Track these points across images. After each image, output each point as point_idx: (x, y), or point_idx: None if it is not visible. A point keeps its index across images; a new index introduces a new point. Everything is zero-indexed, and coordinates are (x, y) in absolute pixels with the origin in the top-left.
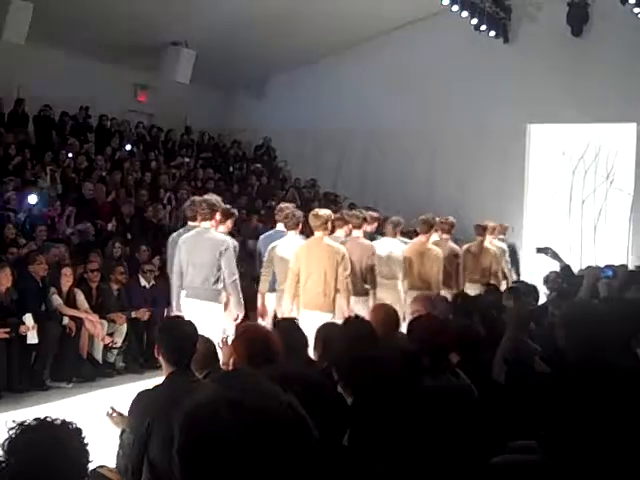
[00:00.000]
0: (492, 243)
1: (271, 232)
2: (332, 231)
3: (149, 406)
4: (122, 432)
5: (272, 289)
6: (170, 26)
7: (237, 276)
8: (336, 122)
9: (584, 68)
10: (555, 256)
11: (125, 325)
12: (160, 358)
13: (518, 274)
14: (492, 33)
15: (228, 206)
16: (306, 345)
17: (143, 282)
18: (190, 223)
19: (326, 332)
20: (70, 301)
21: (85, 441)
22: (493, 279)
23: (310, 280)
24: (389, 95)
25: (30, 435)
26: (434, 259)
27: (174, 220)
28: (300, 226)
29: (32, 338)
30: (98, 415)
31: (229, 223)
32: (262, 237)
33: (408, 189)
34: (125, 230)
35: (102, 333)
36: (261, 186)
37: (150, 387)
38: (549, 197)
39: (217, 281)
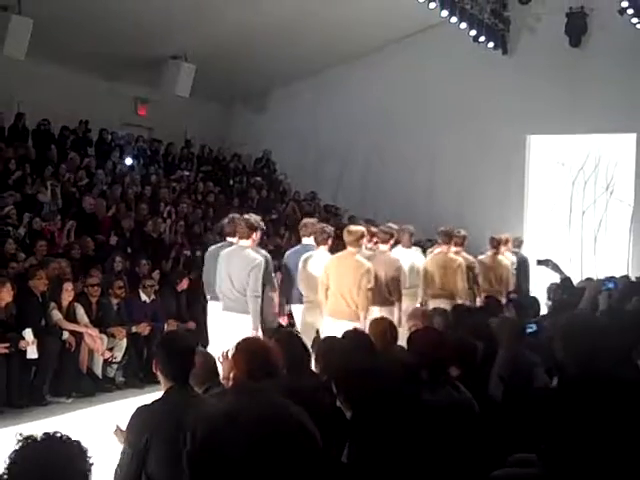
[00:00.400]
0: (505, 255)
1: (298, 247)
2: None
3: (148, 421)
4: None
5: (300, 301)
6: (170, 40)
7: (259, 293)
8: (336, 134)
9: (583, 79)
10: (555, 268)
11: (125, 340)
12: (158, 373)
13: (528, 287)
14: (491, 44)
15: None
16: (308, 358)
17: (143, 297)
18: (228, 239)
19: (326, 345)
20: (70, 316)
21: (90, 461)
22: (505, 290)
23: (337, 291)
24: (389, 107)
25: (35, 450)
26: (456, 269)
27: (174, 233)
28: (330, 241)
29: (32, 353)
30: (98, 430)
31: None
32: (289, 252)
33: (409, 201)
34: (125, 244)
35: (102, 348)
36: (261, 199)
37: (149, 402)
38: (549, 208)
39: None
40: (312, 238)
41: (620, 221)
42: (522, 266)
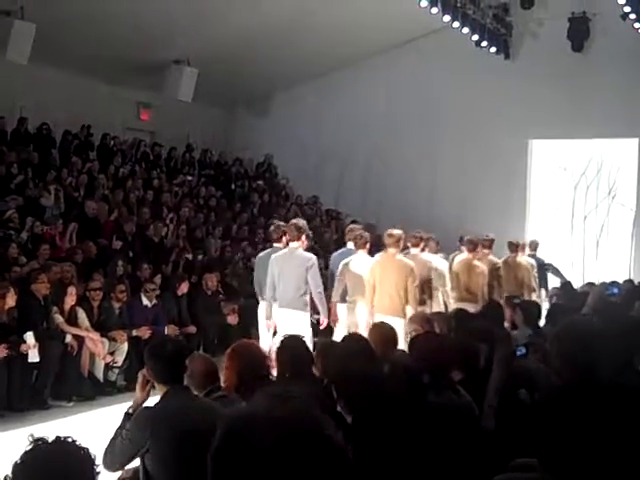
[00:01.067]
0: (524, 258)
1: (343, 250)
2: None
3: (150, 422)
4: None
5: (344, 300)
6: (172, 44)
7: (322, 288)
8: (338, 138)
9: (585, 84)
10: (556, 272)
11: (126, 344)
12: (151, 380)
13: (547, 290)
14: (493, 49)
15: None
16: (311, 363)
17: (145, 301)
18: (275, 245)
19: (325, 349)
20: (72, 319)
21: (97, 470)
22: (526, 292)
23: (383, 289)
24: (391, 111)
25: (45, 452)
26: (479, 274)
27: (175, 237)
28: (368, 245)
29: (33, 357)
30: (99, 434)
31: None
32: (334, 255)
33: (410, 205)
34: (127, 248)
35: (103, 352)
36: (263, 204)
37: (151, 405)
38: (551, 213)
39: (304, 293)
40: (352, 243)
41: (622, 226)
42: (541, 269)
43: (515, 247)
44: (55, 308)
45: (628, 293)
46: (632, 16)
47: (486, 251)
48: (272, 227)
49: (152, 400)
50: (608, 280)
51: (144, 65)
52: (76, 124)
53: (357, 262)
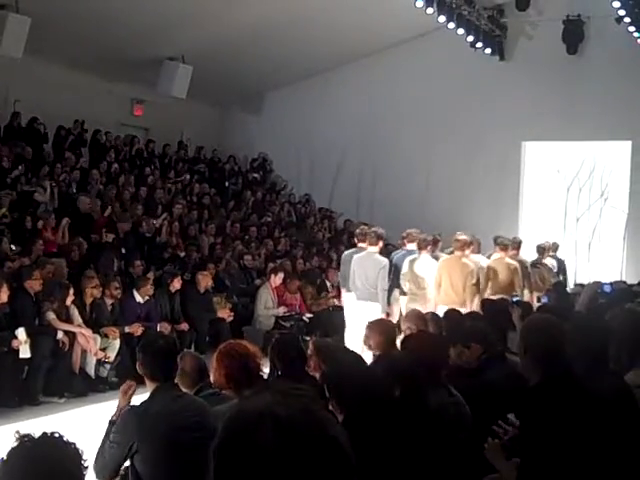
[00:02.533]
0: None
1: (404, 251)
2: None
3: (137, 424)
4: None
5: (404, 293)
6: (167, 41)
7: (386, 288)
8: (331, 137)
9: (579, 86)
10: (549, 272)
11: (118, 340)
12: (143, 375)
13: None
14: (488, 50)
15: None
16: (303, 360)
17: (137, 297)
18: (360, 245)
19: (318, 347)
20: (64, 315)
21: (85, 464)
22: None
23: (448, 286)
24: (384, 111)
25: (32, 448)
26: (513, 271)
27: (169, 234)
28: (429, 247)
29: (24, 352)
30: (90, 430)
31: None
32: (397, 255)
33: (404, 205)
34: (120, 245)
35: (95, 348)
36: (256, 201)
37: (137, 404)
38: (544, 214)
39: (376, 289)
40: (415, 244)
41: (614, 228)
42: (561, 268)
43: (542, 249)
44: (48, 304)
45: (618, 294)
46: (627, 19)
47: (514, 252)
48: (358, 230)
49: (142, 398)
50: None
51: (138, 61)
52: (70, 119)
53: (421, 261)
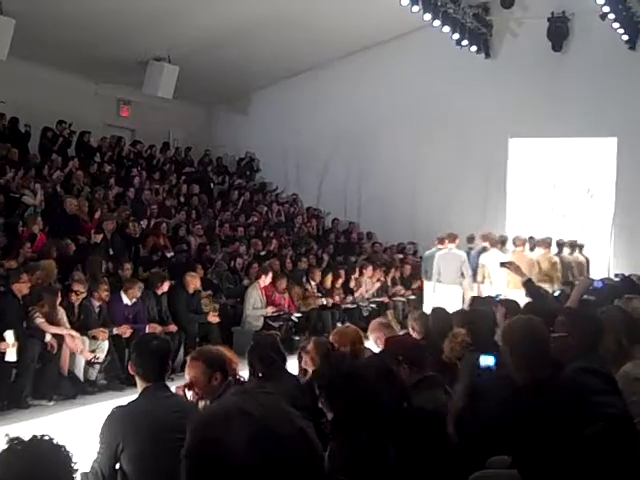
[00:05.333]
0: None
1: (479, 249)
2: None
3: (122, 423)
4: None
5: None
6: (153, 41)
7: (471, 274)
8: (319, 136)
9: (565, 83)
10: (517, 270)
11: (106, 342)
12: (134, 374)
13: None
14: (473, 48)
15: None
16: (283, 360)
17: (125, 299)
18: (438, 245)
19: (312, 344)
20: (52, 318)
21: (75, 467)
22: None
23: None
24: (371, 110)
25: (22, 451)
26: (554, 264)
27: (156, 235)
28: (500, 244)
29: (10, 356)
30: (79, 433)
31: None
32: (473, 252)
33: (391, 202)
34: (107, 246)
35: (85, 350)
36: (244, 202)
37: (125, 403)
38: (530, 211)
39: (457, 276)
40: (488, 243)
41: (600, 224)
42: (587, 264)
43: (570, 245)
44: (36, 307)
45: (608, 291)
46: (611, 16)
47: (547, 249)
48: (439, 236)
49: (131, 398)
50: None
51: (124, 62)
52: (56, 120)
53: (490, 256)
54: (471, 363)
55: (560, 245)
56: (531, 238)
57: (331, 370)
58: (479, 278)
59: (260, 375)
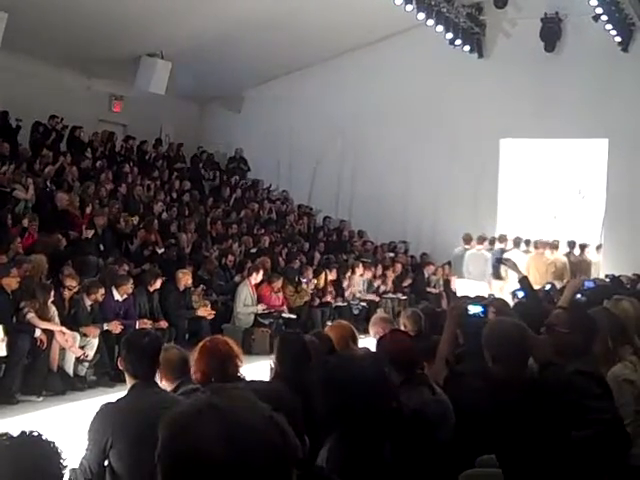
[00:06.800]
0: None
1: (497, 249)
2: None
3: (111, 419)
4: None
5: (499, 277)
6: (146, 37)
7: (491, 271)
8: (311, 135)
9: (557, 84)
10: (514, 267)
11: (96, 339)
12: (124, 370)
13: None
14: (467, 48)
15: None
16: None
17: (116, 295)
18: (465, 245)
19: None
20: (43, 313)
21: (64, 463)
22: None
23: (534, 272)
24: (363, 109)
25: (10, 446)
26: (564, 264)
27: (148, 231)
28: (520, 245)
29: (0, 350)
30: (68, 429)
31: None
32: (494, 252)
33: (383, 201)
34: (98, 241)
35: (75, 346)
36: (235, 199)
37: (114, 400)
38: (521, 211)
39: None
40: (504, 244)
41: (591, 226)
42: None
43: (582, 247)
44: (26, 302)
45: (598, 291)
46: (604, 17)
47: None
48: (464, 235)
49: (121, 394)
50: None
51: (117, 57)
52: (47, 115)
53: (512, 255)
54: (459, 312)
55: (571, 245)
56: (570, 243)
57: (326, 369)
58: (503, 274)
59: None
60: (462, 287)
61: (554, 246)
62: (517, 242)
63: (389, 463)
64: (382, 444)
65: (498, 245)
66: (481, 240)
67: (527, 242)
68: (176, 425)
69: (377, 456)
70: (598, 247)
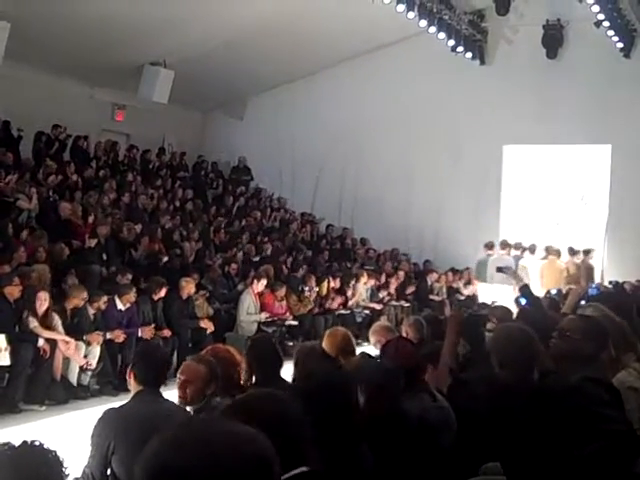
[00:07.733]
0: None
1: (514, 255)
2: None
3: (113, 424)
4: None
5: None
6: (148, 46)
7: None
8: (313, 142)
9: (559, 90)
10: (514, 275)
11: (99, 347)
12: (131, 378)
13: None
14: (469, 55)
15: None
16: (279, 366)
17: (119, 304)
18: (488, 252)
19: (300, 353)
20: (46, 323)
21: (66, 472)
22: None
23: (548, 278)
24: (366, 116)
25: (12, 456)
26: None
27: (152, 241)
28: (534, 252)
29: (3, 360)
30: (71, 438)
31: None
32: (511, 258)
33: (386, 209)
34: (101, 251)
35: (80, 356)
36: (239, 207)
37: (117, 406)
38: (524, 217)
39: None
40: (519, 251)
41: (594, 232)
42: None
43: (586, 252)
44: (29, 311)
45: (602, 298)
46: (606, 24)
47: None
48: (487, 243)
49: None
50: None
51: (120, 66)
52: (50, 124)
53: (528, 261)
54: (459, 320)
55: (574, 252)
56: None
57: (309, 379)
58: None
59: (254, 381)
60: (486, 293)
61: (571, 252)
62: (532, 249)
63: (370, 470)
64: (361, 452)
65: (514, 252)
66: (503, 246)
67: (532, 249)
68: (155, 452)
69: (355, 464)
70: (587, 252)
